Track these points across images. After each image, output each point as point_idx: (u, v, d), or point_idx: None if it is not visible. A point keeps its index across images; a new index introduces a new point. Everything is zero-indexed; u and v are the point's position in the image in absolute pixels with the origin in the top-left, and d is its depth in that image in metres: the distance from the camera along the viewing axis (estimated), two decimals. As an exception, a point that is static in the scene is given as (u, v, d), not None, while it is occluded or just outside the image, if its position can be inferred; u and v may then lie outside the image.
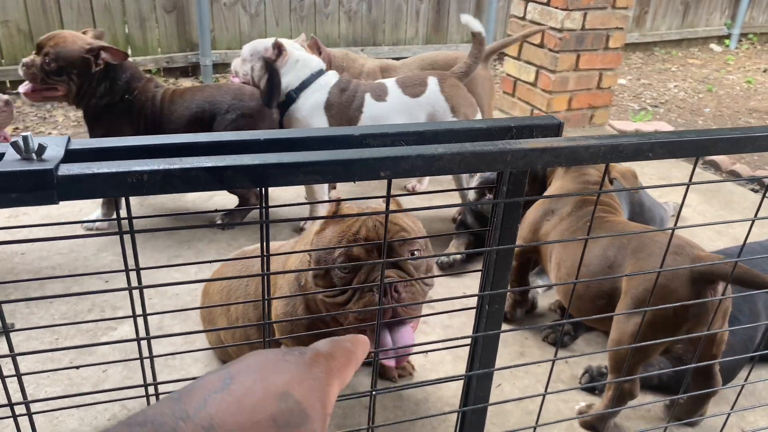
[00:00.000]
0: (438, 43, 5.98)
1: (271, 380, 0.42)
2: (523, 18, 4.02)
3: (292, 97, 2.63)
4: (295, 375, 0.44)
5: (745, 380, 1.41)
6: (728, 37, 7.38)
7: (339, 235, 1.42)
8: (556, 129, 0.98)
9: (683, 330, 1.58)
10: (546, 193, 2.12)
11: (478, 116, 2.81)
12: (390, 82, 2.69)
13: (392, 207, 1.65)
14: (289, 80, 2.63)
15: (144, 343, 0.88)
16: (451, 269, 2.49)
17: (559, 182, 2.11)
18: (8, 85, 4.57)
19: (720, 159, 4.06)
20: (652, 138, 0.95)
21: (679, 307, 1.53)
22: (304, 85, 2.63)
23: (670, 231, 1.66)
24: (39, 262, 2.46)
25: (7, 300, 0.81)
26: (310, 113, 2.62)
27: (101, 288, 2.20)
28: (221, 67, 5.13)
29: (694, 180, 1.09)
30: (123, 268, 0.83)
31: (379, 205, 1.52)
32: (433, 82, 2.68)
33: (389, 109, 2.62)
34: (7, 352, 0.84)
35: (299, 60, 2.64)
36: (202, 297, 1.98)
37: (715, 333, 1.61)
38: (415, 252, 1.47)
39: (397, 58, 5.79)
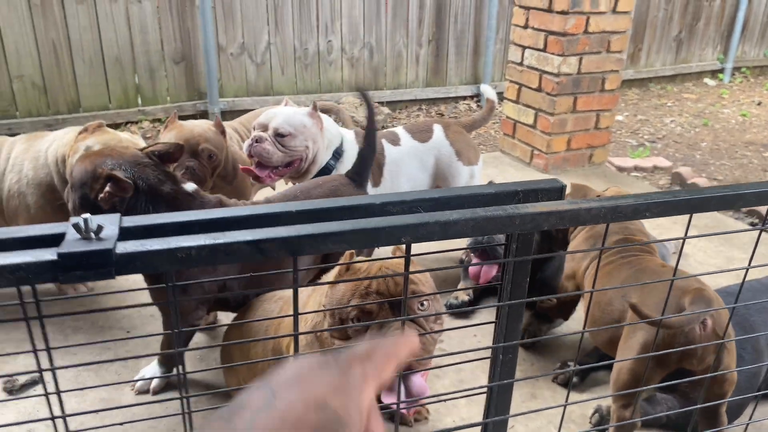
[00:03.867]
0: (437, 86, 6.15)
1: (310, 391, 0.44)
2: (520, 64, 4.16)
3: (330, 167, 2.55)
4: (332, 383, 0.45)
5: (750, 418, 1.46)
6: (722, 71, 7.55)
7: (352, 289, 1.49)
8: (559, 192, 1.07)
9: (674, 360, 1.66)
10: (578, 237, 2.22)
11: (481, 161, 2.93)
12: (399, 130, 2.83)
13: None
14: (325, 150, 2.53)
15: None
16: (462, 314, 2.55)
17: (588, 231, 2.22)
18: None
19: (700, 182, 4.16)
20: (649, 199, 1.04)
21: (666, 336, 1.61)
22: (339, 152, 2.58)
23: (683, 274, 1.75)
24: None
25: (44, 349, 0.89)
26: None
27: (123, 336, 2.27)
28: (229, 114, 5.28)
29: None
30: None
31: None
32: (438, 129, 2.83)
33: (403, 153, 2.74)
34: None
35: (327, 128, 2.57)
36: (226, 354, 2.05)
37: (721, 371, 1.67)
38: (424, 302, 1.54)
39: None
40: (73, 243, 0.81)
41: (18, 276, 0.77)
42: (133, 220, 0.89)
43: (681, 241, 1.09)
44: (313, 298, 1.74)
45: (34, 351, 0.90)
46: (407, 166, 2.74)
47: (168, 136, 2.45)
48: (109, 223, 0.86)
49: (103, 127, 2.37)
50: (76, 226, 0.82)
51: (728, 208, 1.10)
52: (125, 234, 0.86)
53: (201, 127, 2.55)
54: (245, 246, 0.85)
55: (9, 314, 2.24)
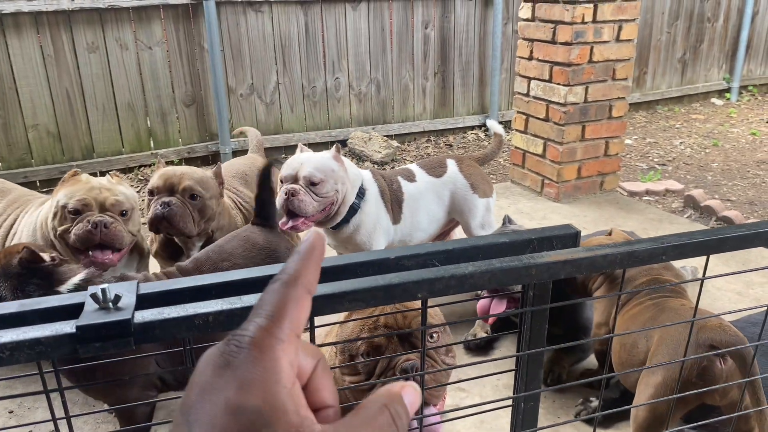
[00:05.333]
0: (445, 117, 6.19)
1: (218, 403, 0.38)
2: (527, 94, 4.19)
3: (356, 207, 2.56)
4: (237, 381, 0.39)
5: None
6: (728, 90, 7.56)
7: (361, 324, 1.49)
8: (574, 238, 1.06)
9: (695, 396, 1.62)
10: (605, 285, 2.19)
11: (494, 194, 2.95)
12: (413, 167, 2.87)
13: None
14: (353, 190, 2.56)
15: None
16: (478, 350, 2.53)
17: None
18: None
19: (713, 203, 4.12)
20: (665, 242, 1.03)
21: (684, 372, 1.59)
22: (362, 191, 2.60)
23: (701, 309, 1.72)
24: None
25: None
26: (377, 210, 2.63)
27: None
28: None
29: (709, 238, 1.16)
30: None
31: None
32: (451, 163, 2.87)
33: (420, 189, 2.77)
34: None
35: (349, 168, 2.57)
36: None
37: (748, 406, 1.64)
38: (434, 335, 1.54)
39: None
40: (91, 314, 0.81)
41: (38, 350, 0.78)
42: (150, 287, 0.90)
43: (696, 267, 1.08)
44: (329, 339, 1.73)
45: (54, 421, 0.90)
46: (425, 202, 2.77)
47: (153, 177, 2.44)
48: (127, 291, 0.86)
49: (77, 175, 2.32)
50: (94, 296, 0.83)
51: (745, 247, 1.09)
52: (142, 302, 0.86)
53: (191, 169, 2.49)
54: (262, 310, 0.85)
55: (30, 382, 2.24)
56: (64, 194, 2.21)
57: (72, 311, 0.85)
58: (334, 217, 2.53)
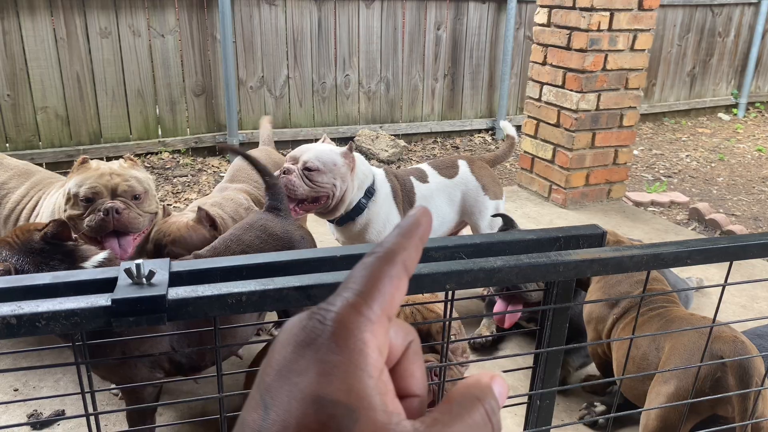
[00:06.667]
0: (453, 119, 6.20)
1: (298, 389, 0.35)
2: (538, 99, 4.20)
3: (362, 206, 2.57)
4: (319, 367, 0.35)
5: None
6: (736, 106, 7.57)
7: None
8: (600, 238, 1.07)
9: (707, 407, 1.63)
10: (594, 287, 2.19)
11: (504, 196, 2.95)
12: (425, 167, 2.88)
13: (432, 298, 1.74)
14: (355, 190, 2.55)
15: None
16: (483, 350, 2.54)
17: (598, 281, 2.20)
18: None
19: (718, 217, 4.13)
20: (690, 246, 1.04)
21: (697, 382, 1.59)
22: (371, 191, 2.60)
23: (706, 318, 1.73)
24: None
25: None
26: (387, 210, 2.63)
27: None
28: (248, 146, 5.34)
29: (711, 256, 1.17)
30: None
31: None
32: (463, 164, 2.88)
33: (432, 189, 2.79)
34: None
35: (360, 168, 2.58)
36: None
37: (759, 419, 1.64)
38: (452, 336, 1.54)
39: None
40: (126, 288, 0.82)
41: (73, 321, 0.78)
42: (182, 265, 0.90)
43: (701, 278, 1.08)
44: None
45: (83, 393, 0.90)
46: (436, 202, 2.78)
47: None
48: (160, 268, 0.87)
49: (87, 162, 2.30)
50: (128, 272, 0.83)
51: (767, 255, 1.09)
52: (175, 279, 0.87)
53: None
54: (294, 292, 0.86)
55: (52, 355, 2.24)
56: (75, 182, 2.20)
57: (104, 286, 0.86)
58: (332, 211, 2.54)
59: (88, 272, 0.88)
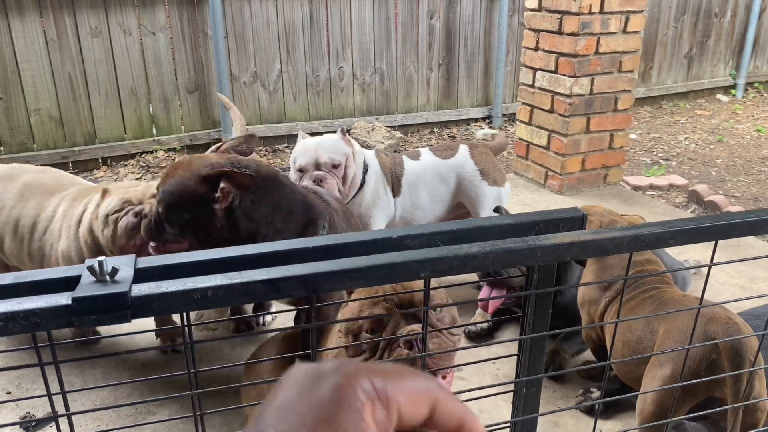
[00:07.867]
0: (449, 109, 6.16)
1: (295, 425, 0.38)
2: (532, 86, 4.16)
3: (362, 183, 2.70)
4: (320, 413, 0.38)
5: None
6: (734, 87, 7.51)
7: (361, 304, 1.49)
8: (580, 221, 1.05)
9: (703, 389, 1.61)
10: (588, 270, 2.16)
11: (508, 185, 2.94)
12: (423, 149, 2.94)
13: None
14: (357, 170, 2.68)
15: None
16: (479, 338, 2.51)
17: (593, 263, 2.17)
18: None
19: (717, 199, 4.10)
20: (672, 226, 1.01)
21: (692, 365, 1.57)
22: (365, 167, 2.73)
23: (704, 300, 1.70)
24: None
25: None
26: (375, 183, 2.73)
27: (140, 375, 2.25)
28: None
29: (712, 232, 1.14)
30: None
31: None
32: (463, 148, 2.90)
33: (422, 166, 2.83)
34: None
35: (354, 145, 2.72)
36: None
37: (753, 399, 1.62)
38: (441, 312, 1.52)
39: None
40: (87, 286, 0.80)
41: (32, 322, 0.76)
42: (148, 261, 0.88)
43: (699, 260, 1.06)
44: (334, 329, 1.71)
45: (49, 395, 0.88)
46: (426, 179, 2.81)
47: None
48: (125, 265, 0.85)
49: (108, 191, 2.22)
50: (91, 269, 0.81)
51: (755, 233, 1.07)
52: (140, 276, 0.85)
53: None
54: (262, 285, 0.84)
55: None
56: (103, 207, 2.14)
57: (67, 284, 0.84)
58: (347, 195, 2.62)
59: (51, 271, 0.86)
